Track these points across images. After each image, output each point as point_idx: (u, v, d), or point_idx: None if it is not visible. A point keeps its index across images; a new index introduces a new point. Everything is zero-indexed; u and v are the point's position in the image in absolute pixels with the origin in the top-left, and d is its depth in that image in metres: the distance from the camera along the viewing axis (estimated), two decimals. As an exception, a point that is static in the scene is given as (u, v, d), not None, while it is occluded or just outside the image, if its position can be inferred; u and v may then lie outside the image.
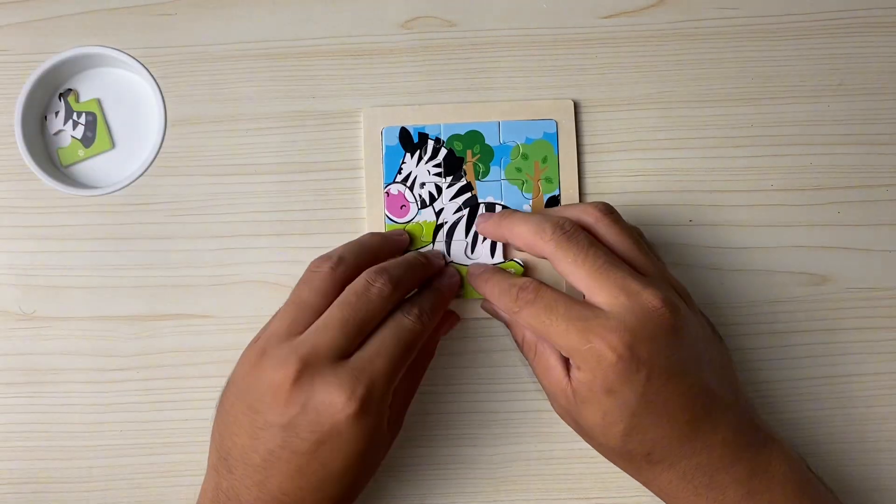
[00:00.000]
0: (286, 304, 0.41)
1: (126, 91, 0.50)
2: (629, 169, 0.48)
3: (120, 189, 0.48)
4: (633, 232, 0.43)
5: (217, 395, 0.47)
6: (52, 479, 0.47)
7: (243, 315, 0.48)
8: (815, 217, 0.48)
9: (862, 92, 0.49)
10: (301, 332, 0.39)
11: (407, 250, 0.47)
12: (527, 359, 0.43)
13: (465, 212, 0.48)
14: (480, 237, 0.47)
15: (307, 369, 0.37)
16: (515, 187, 0.48)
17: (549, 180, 0.48)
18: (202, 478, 0.47)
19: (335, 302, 0.40)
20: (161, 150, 0.49)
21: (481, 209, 0.47)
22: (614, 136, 0.49)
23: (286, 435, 0.38)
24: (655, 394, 0.38)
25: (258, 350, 0.39)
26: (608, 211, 0.43)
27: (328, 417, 0.37)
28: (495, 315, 0.46)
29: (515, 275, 0.44)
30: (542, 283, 0.41)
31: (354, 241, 0.44)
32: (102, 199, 0.48)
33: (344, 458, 0.38)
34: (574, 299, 0.40)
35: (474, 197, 0.48)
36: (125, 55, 0.49)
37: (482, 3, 0.49)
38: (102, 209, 0.48)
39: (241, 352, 0.47)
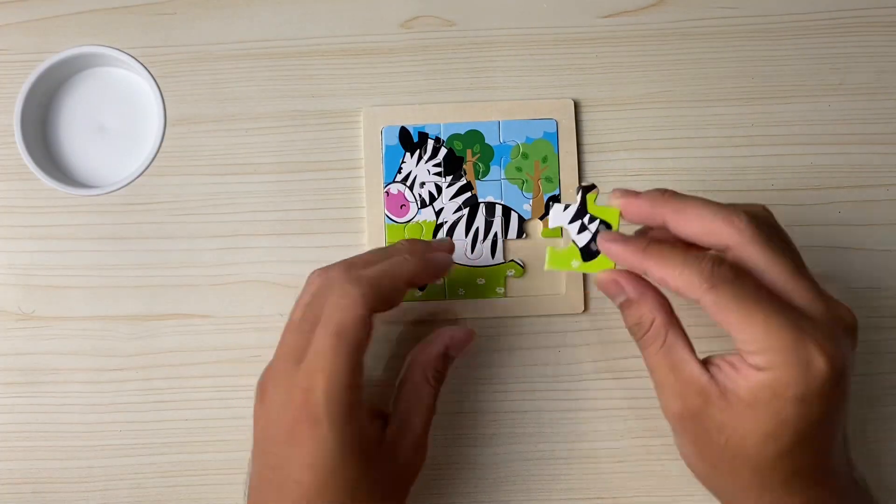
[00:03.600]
0: None
1: (125, 91, 0.50)
2: (629, 168, 0.48)
3: (119, 189, 0.48)
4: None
5: (216, 395, 0.47)
6: (51, 479, 0.47)
7: (243, 315, 0.48)
8: (815, 217, 0.48)
9: (862, 92, 0.49)
10: None
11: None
12: (644, 346, 0.38)
13: (465, 211, 0.47)
14: (480, 237, 0.47)
15: (269, 378, 0.37)
16: (515, 187, 0.48)
17: (549, 179, 0.48)
18: (201, 477, 0.47)
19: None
20: (160, 149, 0.49)
21: (481, 208, 0.47)
22: (614, 136, 0.48)
23: (264, 452, 0.37)
24: (833, 414, 0.35)
25: None
26: (771, 214, 0.38)
27: (283, 426, 0.36)
28: (612, 292, 0.39)
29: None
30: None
31: (358, 254, 0.42)
32: (102, 198, 0.48)
33: (312, 472, 0.35)
34: (776, 294, 0.35)
35: (474, 196, 0.48)
36: (125, 55, 0.49)
37: (482, 2, 0.49)
38: (102, 209, 0.48)
39: (240, 351, 0.48)
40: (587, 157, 0.48)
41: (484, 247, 0.47)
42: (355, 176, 0.48)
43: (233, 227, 0.48)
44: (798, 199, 0.48)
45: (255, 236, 0.48)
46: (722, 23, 0.49)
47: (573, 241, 0.40)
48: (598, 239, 0.39)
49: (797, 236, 0.48)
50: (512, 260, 0.47)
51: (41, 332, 0.48)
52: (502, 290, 0.47)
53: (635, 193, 0.38)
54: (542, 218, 0.47)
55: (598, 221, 0.40)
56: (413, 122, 0.48)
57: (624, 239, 0.38)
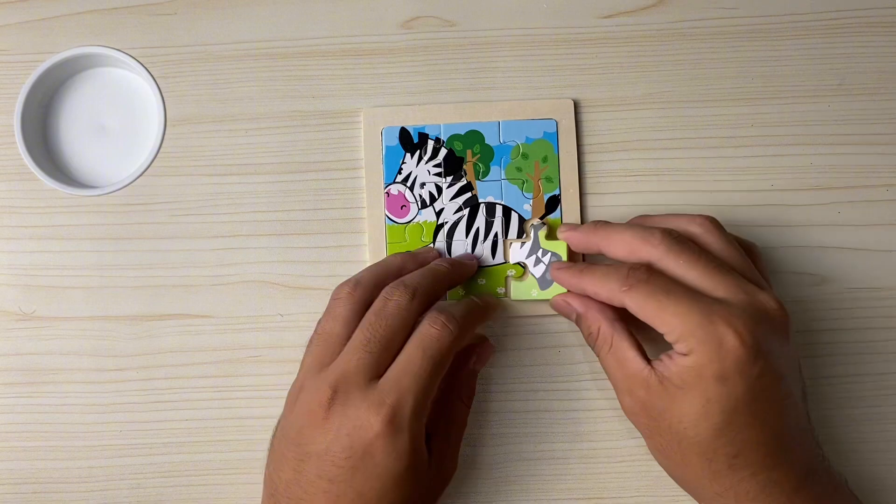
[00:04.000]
0: (312, 336, 0.41)
1: (126, 91, 0.50)
2: (629, 169, 0.48)
3: (120, 189, 0.48)
4: (739, 247, 0.42)
5: (216, 395, 0.47)
6: (51, 479, 0.47)
7: (243, 315, 0.48)
8: (815, 217, 0.48)
9: (862, 92, 0.49)
10: (330, 363, 0.39)
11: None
12: (598, 352, 0.42)
13: (466, 212, 0.48)
14: (481, 238, 0.47)
15: (338, 395, 0.38)
16: (516, 187, 0.48)
17: (549, 180, 0.48)
18: (201, 478, 0.47)
19: (359, 325, 0.40)
20: (161, 149, 0.49)
21: (482, 208, 0.47)
22: (614, 136, 0.48)
23: (322, 463, 0.38)
24: (761, 392, 0.38)
25: (297, 387, 0.40)
26: (715, 223, 0.42)
27: (359, 439, 0.37)
28: (565, 311, 0.44)
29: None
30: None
31: (374, 264, 0.44)
32: (102, 199, 0.48)
33: (379, 483, 0.38)
34: (690, 287, 0.39)
35: (475, 197, 0.48)
36: (125, 55, 0.49)
37: (482, 3, 0.49)
38: (102, 209, 0.48)
39: (240, 351, 0.48)
40: (587, 157, 0.48)
41: (484, 247, 0.47)
42: (355, 177, 0.48)
43: (233, 226, 0.48)
44: (798, 199, 0.48)
45: (256, 237, 0.48)
46: (721, 23, 0.49)
47: (531, 274, 0.46)
48: (550, 268, 0.45)
49: (797, 236, 0.48)
50: (516, 262, 0.47)
51: (42, 332, 0.48)
52: (503, 290, 0.47)
53: (574, 227, 0.45)
54: (542, 218, 0.47)
55: (550, 254, 0.46)
56: (413, 122, 0.48)
57: (566, 265, 0.44)
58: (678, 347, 0.38)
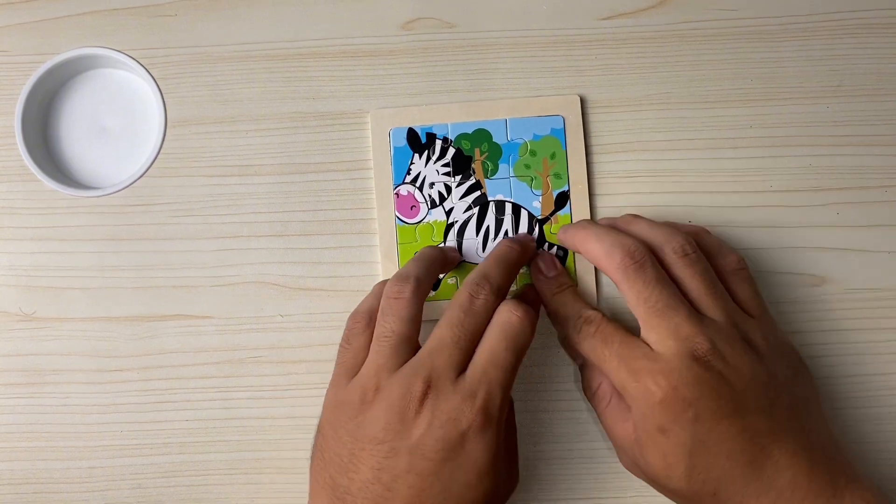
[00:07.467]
0: (376, 339, 0.41)
1: (126, 92, 0.50)
2: (629, 170, 0.48)
3: (120, 190, 0.48)
4: (710, 272, 0.42)
5: (216, 395, 0.47)
6: (52, 480, 0.47)
7: (243, 316, 0.48)
8: (814, 218, 0.48)
9: (861, 93, 0.49)
10: (404, 362, 0.40)
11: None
12: (594, 406, 0.43)
13: (475, 210, 0.48)
14: (491, 236, 0.47)
15: (431, 390, 0.38)
16: (525, 184, 0.48)
17: (558, 176, 0.48)
18: (201, 478, 0.47)
19: (443, 322, 0.40)
20: (161, 151, 0.49)
21: (491, 206, 0.47)
22: (614, 137, 0.49)
23: (412, 457, 0.38)
24: (707, 434, 0.38)
25: (371, 387, 0.39)
26: (691, 250, 0.42)
27: (453, 430, 0.38)
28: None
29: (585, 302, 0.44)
30: (606, 317, 0.42)
31: (419, 257, 0.44)
32: (103, 199, 0.49)
33: (465, 477, 0.38)
34: (631, 336, 0.40)
35: (484, 195, 0.48)
36: (125, 56, 0.49)
37: (482, 4, 0.50)
38: (103, 210, 0.48)
39: (240, 352, 0.47)
40: (587, 158, 0.48)
41: (495, 245, 0.47)
42: (356, 178, 0.48)
43: (233, 227, 0.48)
44: (797, 200, 0.48)
45: (256, 237, 0.48)
46: (721, 24, 0.49)
47: None
48: (531, 269, 0.46)
49: (796, 237, 0.48)
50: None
51: (42, 332, 0.48)
52: (514, 287, 0.47)
53: (567, 227, 0.45)
54: (551, 214, 0.47)
55: (555, 248, 0.47)
56: (420, 122, 0.48)
57: (543, 283, 0.45)
58: (625, 400, 0.40)
